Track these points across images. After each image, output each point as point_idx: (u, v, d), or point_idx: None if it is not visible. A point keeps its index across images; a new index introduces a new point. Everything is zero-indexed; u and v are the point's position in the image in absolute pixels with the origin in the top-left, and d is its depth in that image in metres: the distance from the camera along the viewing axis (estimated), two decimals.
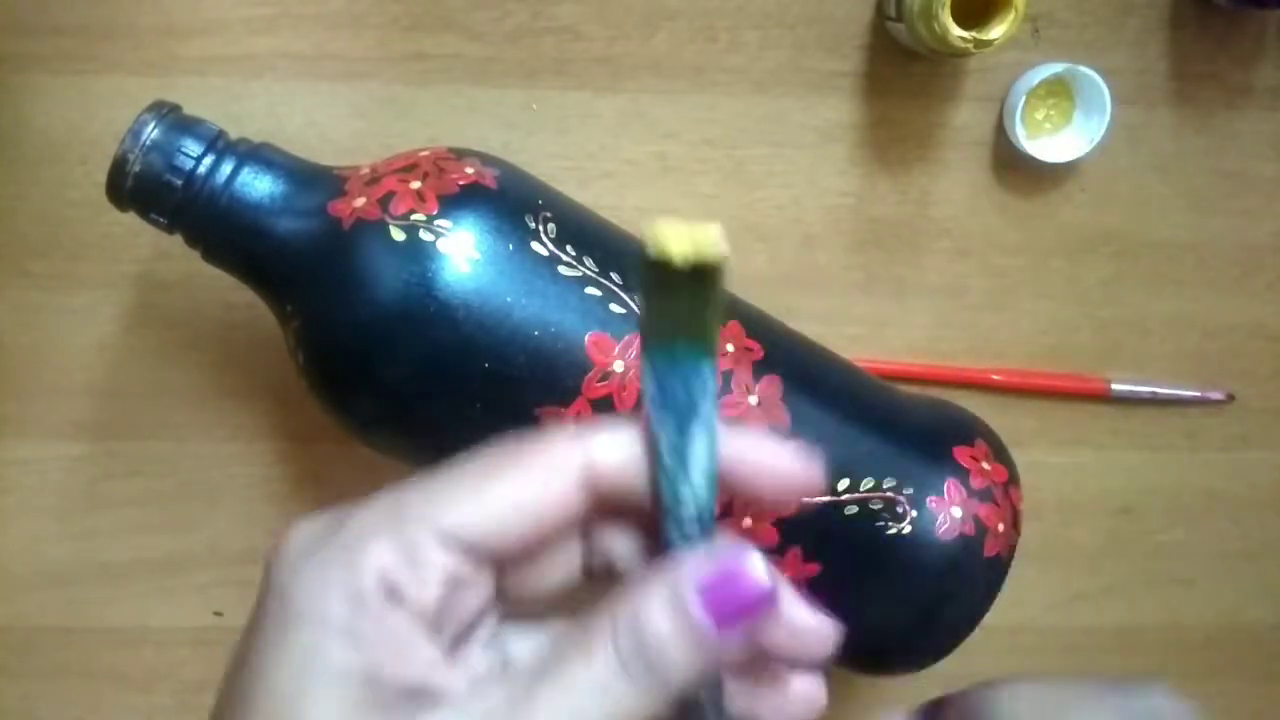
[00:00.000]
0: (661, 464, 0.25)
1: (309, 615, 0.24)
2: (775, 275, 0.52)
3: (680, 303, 0.23)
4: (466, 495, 0.26)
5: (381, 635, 0.24)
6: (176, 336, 0.50)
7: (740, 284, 0.47)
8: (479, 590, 0.26)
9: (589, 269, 0.41)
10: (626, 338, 0.41)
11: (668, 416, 0.25)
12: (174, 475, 0.51)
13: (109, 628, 0.52)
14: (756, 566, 0.25)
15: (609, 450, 0.26)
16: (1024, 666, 0.55)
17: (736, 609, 0.25)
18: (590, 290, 0.41)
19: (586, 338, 0.40)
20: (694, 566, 0.25)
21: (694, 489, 0.25)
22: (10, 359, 0.50)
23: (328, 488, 0.52)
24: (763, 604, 0.25)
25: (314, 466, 0.51)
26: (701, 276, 0.21)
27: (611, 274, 0.41)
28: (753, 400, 0.42)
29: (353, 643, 0.24)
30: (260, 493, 0.51)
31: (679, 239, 0.21)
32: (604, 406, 0.40)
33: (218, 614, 0.52)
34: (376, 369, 0.40)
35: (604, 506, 0.26)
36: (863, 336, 0.52)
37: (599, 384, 0.40)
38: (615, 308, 0.41)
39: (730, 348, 0.42)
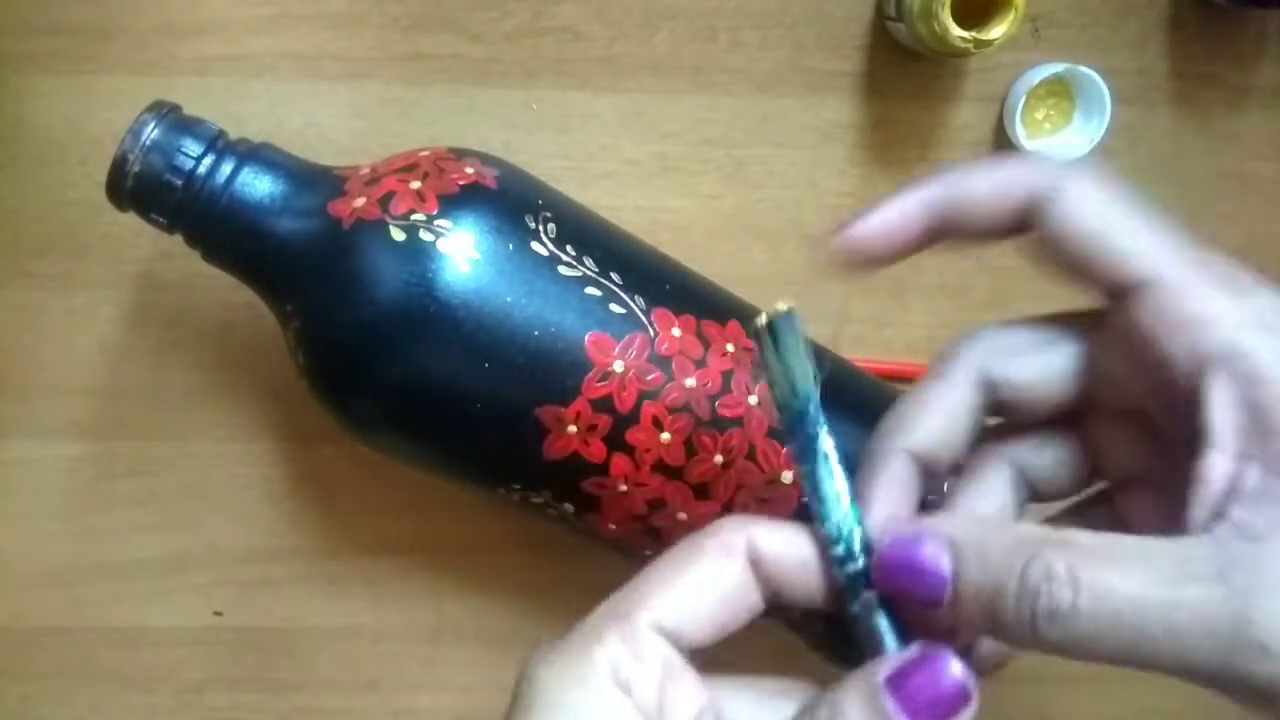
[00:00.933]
0: (815, 512, 0.28)
1: (552, 702, 0.26)
2: (775, 275, 0.52)
3: (781, 362, 0.27)
4: (661, 588, 0.28)
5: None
6: (176, 336, 0.50)
7: (740, 284, 0.47)
8: (690, 677, 0.28)
9: (589, 269, 0.41)
10: (626, 338, 0.41)
11: (803, 464, 0.28)
12: (174, 475, 0.51)
13: (109, 628, 0.52)
14: (953, 666, 0.25)
15: (769, 535, 0.28)
16: (1024, 666, 0.55)
17: (931, 708, 0.25)
18: (590, 290, 0.41)
19: (586, 338, 0.40)
20: (889, 664, 0.26)
21: (840, 510, 0.28)
22: (10, 359, 0.50)
23: (328, 488, 0.52)
24: (958, 703, 0.25)
25: (314, 466, 0.51)
26: (780, 334, 0.27)
27: (611, 274, 0.41)
28: (752, 400, 0.42)
29: None
30: (260, 493, 0.51)
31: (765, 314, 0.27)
32: (604, 406, 0.40)
33: (218, 614, 0.52)
34: (376, 369, 0.40)
35: (775, 589, 0.28)
36: (863, 336, 0.52)
37: (599, 384, 0.40)
38: (615, 308, 0.41)
39: (730, 348, 0.42)
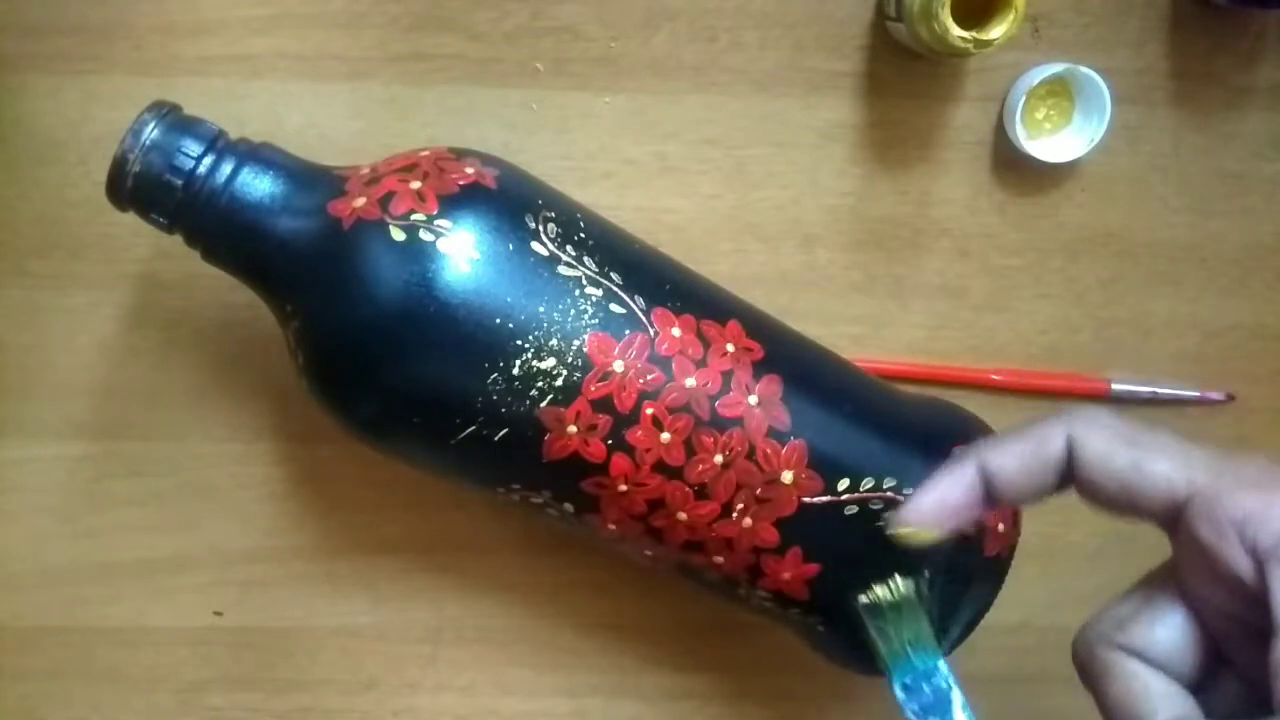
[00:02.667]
0: None
1: None
2: (775, 275, 0.52)
3: (901, 628, 0.29)
4: None
5: None
6: (176, 336, 0.50)
7: (740, 284, 0.47)
8: None
9: (589, 269, 0.41)
10: (626, 337, 0.41)
11: (930, 717, 0.29)
12: (174, 475, 0.51)
13: (109, 628, 0.52)
14: None
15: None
16: (1024, 666, 0.55)
17: None
18: (590, 290, 0.41)
19: (586, 338, 0.40)
20: None
21: None
22: (10, 359, 0.50)
23: (328, 488, 0.52)
24: None
25: (314, 467, 0.51)
26: (901, 606, 0.29)
27: (611, 274, 0.41)
28: (753, 400, 0.42)
29: None
30: (260, 493, 0.51)
31: (879, 589, 0.29)
32: (604, 406, 0.40)
33: (218, 614, 0.52)
34: (376, 369, 0.40)
35: None
36: (863, 336, 0.52)
37: (599, 384, 0.40)
38: (615, 308, 0.41)
39: (730, 348, 0.42)
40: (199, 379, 0.51)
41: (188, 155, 0.40)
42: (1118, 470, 0.30)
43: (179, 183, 0.40)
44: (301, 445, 0.51)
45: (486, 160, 0.43)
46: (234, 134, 0.42)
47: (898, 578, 0.30)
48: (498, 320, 0.40)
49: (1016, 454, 0.32)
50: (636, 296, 0.41)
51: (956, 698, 0.29)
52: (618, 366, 0.40)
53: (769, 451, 0.42)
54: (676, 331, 0.42)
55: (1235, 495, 0.29)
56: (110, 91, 0.48)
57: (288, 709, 0.53)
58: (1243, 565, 0.29)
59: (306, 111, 0.49)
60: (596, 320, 0.40)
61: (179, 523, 0.51)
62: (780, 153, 0.51)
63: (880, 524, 0.42)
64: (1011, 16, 0.45)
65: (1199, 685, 0.32)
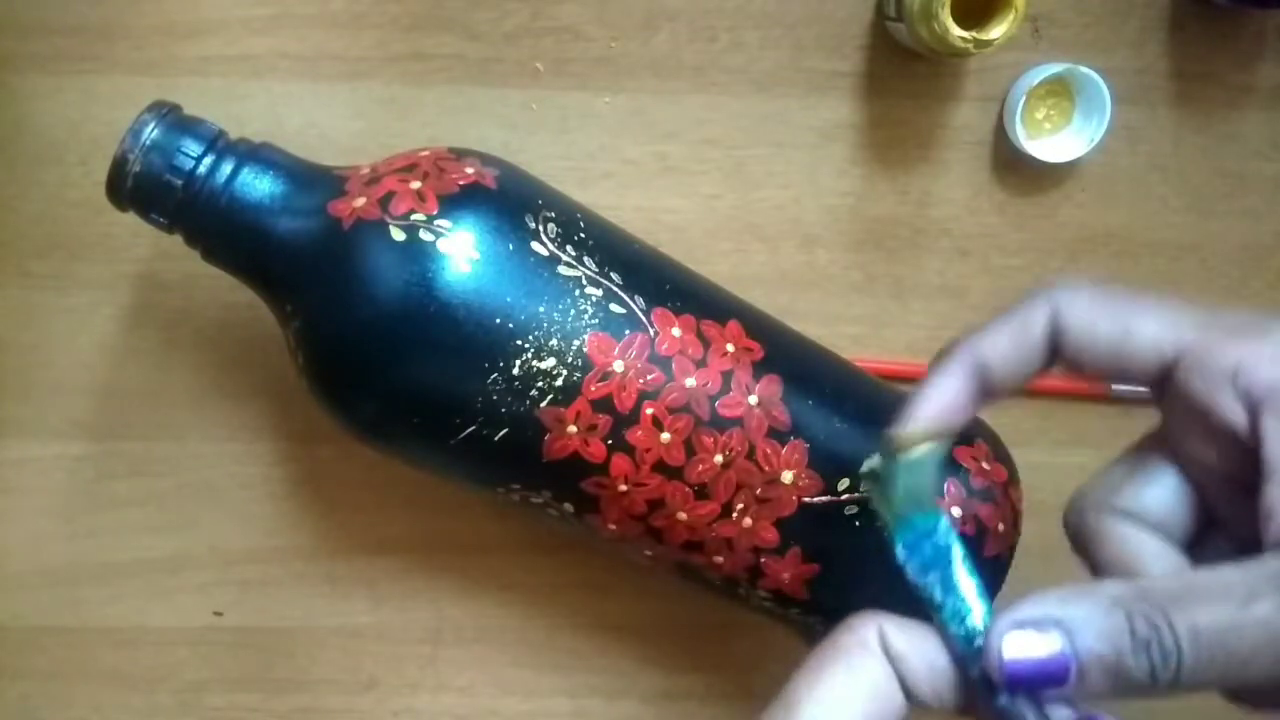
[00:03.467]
0: (944, 618, 0.29)
1: None
2: (775, 275, 0.52)
3: (901, 493, 0.30)
4: (811, 697, 0.28)
5: None
6: (176, 336, 0.50)
7: (740, 284, 0.47)
8: None
9: (589, 269, 0.41)
10: (626, 337, 0.41)
11: (932, 575, 0.29)
12: (174, 475, 0.51)
13: (109, 628, 0.52)
14: None
15: (899, 633, 0.29)
16: None
17: None
18: (590, 290, 0.41)
19: (586, 338, 0.40)
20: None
21: (974, 607, 0.29)
22: (10, 359, 0.50)
23: (328, 488, 0.52)
24: None
25: (314, 466, 0.51)
26: (906, 470, 0.29)
27: (611, 274, 0.41)
28: (753, 400, 0.42)
29: None
30: (260, 493, 0.51)
31: (880, 459, 0.29)
32: (604, 406, 0.40)
33: (218, 614, 0.52)
34: (376, 369, 0.40)
35: (905, 688, 0.29)
36: (863, 336, 0.52)
37: (599, 384, 0.40)
38: (615, 308, 0.41)
39: (730, 348, 0.42)
40: (199, 379, 0.51)
41: (188, 155, 0.40)
42: (1104, 337, 0.30)
43: (179, 183, 0.40)
44: (301, 445, 0.51)
45: (486, 160, 0.43)
46: (234, 134, 0.42)
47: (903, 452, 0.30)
48: (498, 320, 0.40)
49: (1004, 338, 0.31)
50: (636, 296, 0.41)
51: (957, 552, 0.29)
52: (618, 366, 0.40)
53: (769, 451, 0.42)
54: (676, 331, 0.42)
55: (1225, 346, 0.29)
56: (110, 91, 0.48)
57: (288, 709, 0.53)
58: (1235, 415, 0.29)
59: (306, 111, 0.49)
60: (596, 320, 0.40)
61: (179, 523, 0.51)
62: (780, 153, 0.51)
63: (880, 524, 0.42)
64: (1011, 16, 0.45)
65: (1190, 547, 0.32)
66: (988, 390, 0.32)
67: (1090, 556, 0.33)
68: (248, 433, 0.51)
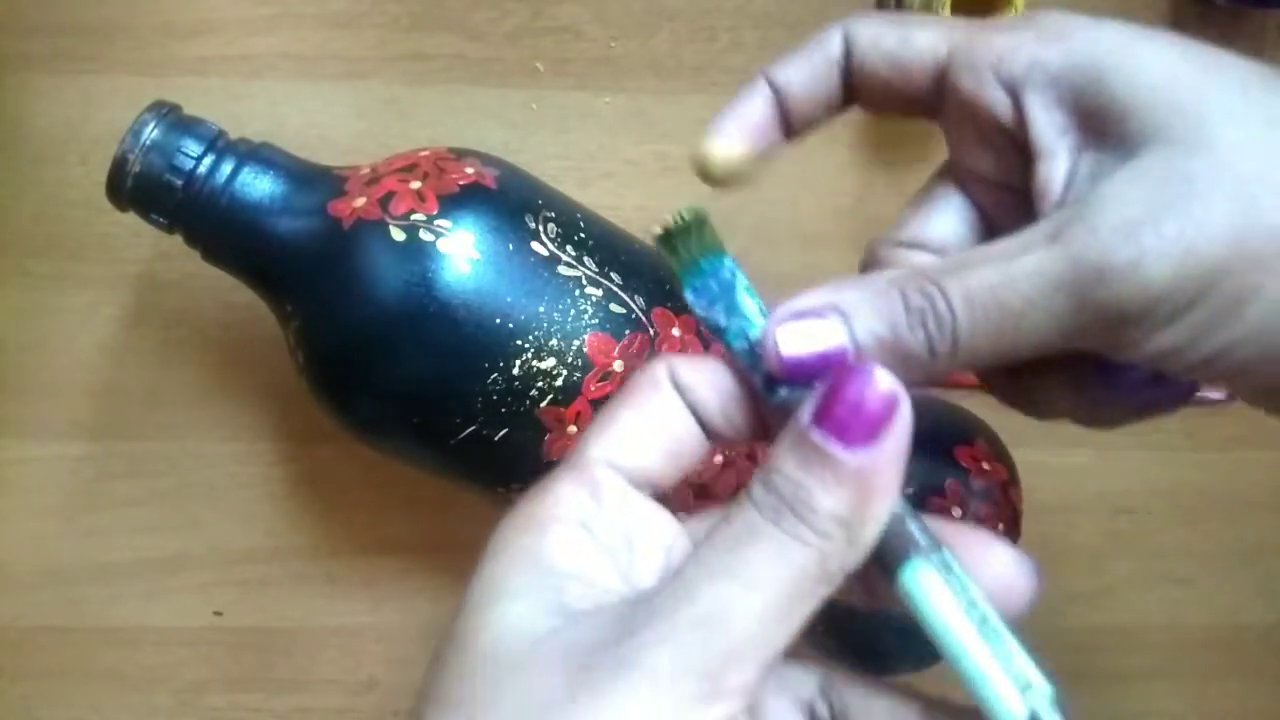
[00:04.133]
0: (729, 340, 0.28)
1: (513, 550, 0.26)
2: (775, 275, 0.52)
3: (689, 246, 0.29)
4: (605, 429, 0.28)
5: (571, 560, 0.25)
6: (176, 336, 0.50)
7: None
8: (656, 512, 0.27)
9: (589, 269, 0.41)
10: (626, 337, 0.41)
11: (717, 306, 0.28)
12: (174, 475, 0.51)
13: (109, 628, 0.52)
14: (879, 377, 0.24)
15: (688, 365, 0.28)
16: None
17: (861, 420, 0.24)
18: (590, 290, 0.41)
19: (586, 337, 0.40)
20: (810, 403, 0.25)
21: (756, 323, 0.28)
22: (10, 359, 0.50)
23: (328, 488, 0.52)
24: (888, 407, 0.24)
25: (314, 466, 0.51)
26: (691, 227, 0.29)
27: (611, 274, 0.41)
28: None
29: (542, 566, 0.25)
30: (260, 493, 0.51)
31: (667, 219, 0.29)
32: (604, 406, 0.40)
33: (218, 614, 0.52)
34: (376, 369, 0.40)
35: (703, 419, 0.28)
36: None
37: (599, 384, 0.40)
38: (615, 308, 0.41)
39: None
40: (199, 379, 0.51)
41: (188, 155, 0.40)
42: (886, 49, 0.30)
43: (179, 183, 0.40)
44: (301, 445, 0.51)
45: (486, 160, 0.43)
46: (234, 134, 0.42)
47: (684, 207, 0.30)
48: (498, 320, 0.40)
49: (799, 59, 0.32)
50: (636, 296, 0.42)
51: (740, 280, 0.29)
52: (618, 366, 0.40)
53: (769, 451, 0.42)
54: (676, 331, 0.42)
55: (988, 39, 0.29)
56: (110, 91, 0.48)
57: (288, 709, 0.53)
58: (1000, 104, 0.29)
59: (306, 111, 0.49)
60: (596, 320, 0.40)
61: (179, 523, 0.51)
62: (780, 152, 0.51)
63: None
64: (1010, 16, 0.45)
65: None
66: (789, 116, 0.32)
67: None
68: (248, 433, 0.51)
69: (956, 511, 0.43)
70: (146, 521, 0.51)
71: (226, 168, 0.41)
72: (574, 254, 0.41)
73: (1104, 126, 0.27)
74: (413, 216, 0.40)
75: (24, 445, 0.50)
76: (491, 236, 0.40)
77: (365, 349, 0.40)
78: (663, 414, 0.28)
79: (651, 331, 0.41)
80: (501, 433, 0.40)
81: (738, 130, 0.32)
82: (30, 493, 0.51)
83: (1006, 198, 0.30)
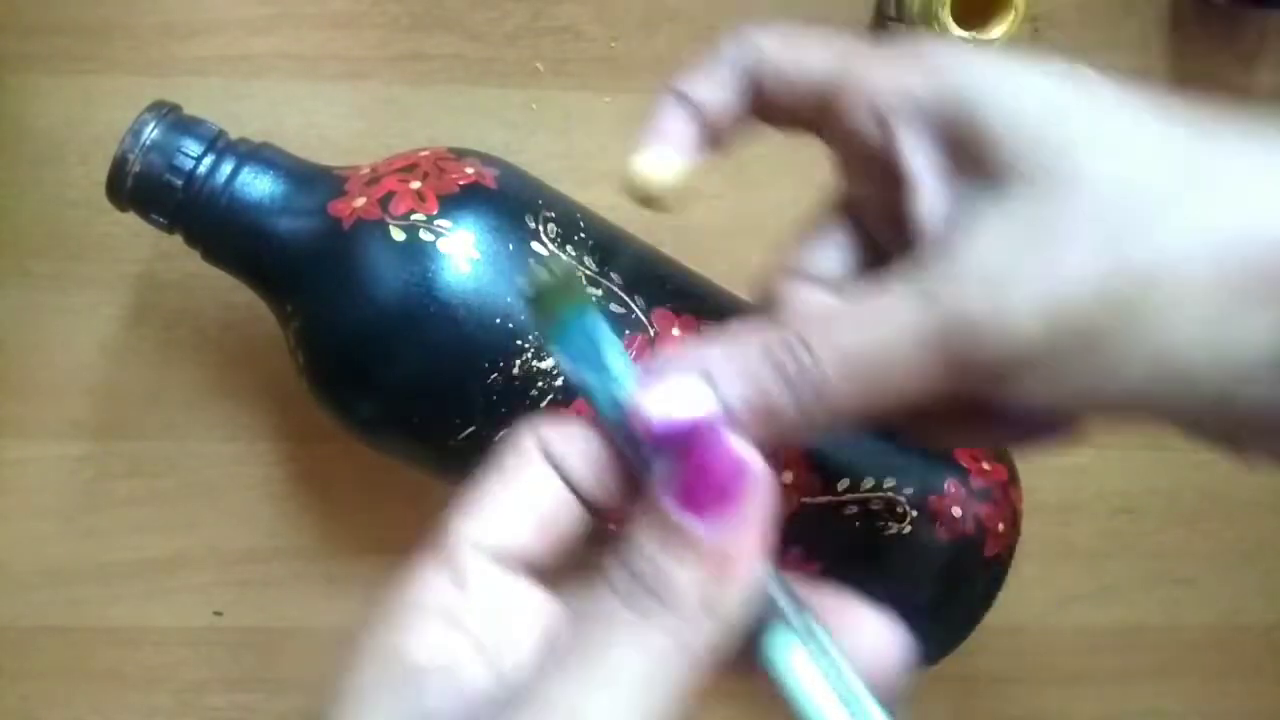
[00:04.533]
0: (598, 402, 0.26)
1: (376, 654, 0.25)
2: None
3: (549, 300, 0.27)
4: (469, 508, 0.26)
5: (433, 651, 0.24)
6: (176, 336, 0.50)
7: (740, 284, 0.47)
8: (530, 594, 0.26)
9: (589, 269, 0.41)
10: (626, 338, 0.41)
11: (585, 364, 0.27)
12: (174, 475, 0.51)
13: (109, 628, 0.52)
14: (730, 444, 0.23)
15: (557, 433, 0.27)
16: (1024, 666, 0.55)
17: (715, 490, 0.23)
18: (590, 290, 0.41)
19: None
20: (664, 480, 0.23)
21: (624, 382, 0.26)
22: (10, 359, 0.50)
23: (328, 488, 0.52)
24: (740, 477, 0.23)
25: (314, 466, 0.51)
26: (560, 286, 0.27)
27: (612, 274, 0.41)
28: None
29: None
30: (260, 493, 0.51)
31: (536, 270, 0.27)
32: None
33: (218, 614, 0.52)
34: (377, 369, 0.40)
35: (577, 489, 0.27)
36: None
37: None
38: (615, 308, 0.41)
39: None
40: (199, 379, 0.51)
41: (188, 155, 0.40)
42: (777, 64, 0.30)
43: (179, 183, 0.40)
44: (301, 445, 0.51)
45: (486, 160, 0.43)
46: (234, 134, 0.42)
47: (556, 259, 0.29)
48: (498, 320, 0.40)
49: (703, 72, 0.31)
50: (636, 296, 0.42)
51: (604, 331, 0.27)
52: None
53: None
54: (676, 331, 0.42)
55: (867, 66, 0.29)
56: (110, 91, 0.48)
57: (288, 709, 0.53)
58: (873, 135, 0.28)
59: (306, 111, 0.49)
60: None
61: (179, 523, 0.51)
62: (780, 153, 0.51)
63: (880, 524, 0.42)
64: (1011, 16, 0.45)
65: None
66: (704, 128, 0.31)
67: (776, 315, 0.31)
68: (248, 433, 0.51)
69: (957, 511, 0.43)
70: (146, 521, 0.51)
71: (226, 168, 0.41)
72: (574, 254, 0.41)
73: (975, 159, 0.26)
74: (413, 216, 0.40)
75: (24, 445, 0.50)
76: (491, 236, 0.40)
77: (365, 349, 0.40)
78: (532, 487, 0.26)
79: (651, 331, 0.41)
80: (501, 433, 0.40)
81: (665, 146, 0.31)
82: (30, 493, 0.51)
83: (892, 226, 0.30)
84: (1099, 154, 0.25)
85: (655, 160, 0.31)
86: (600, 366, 0.26)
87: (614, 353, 0.27)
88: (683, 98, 0.31)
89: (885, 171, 0.29)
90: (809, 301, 0.31)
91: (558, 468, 0.26)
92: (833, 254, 0.32)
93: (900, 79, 0.28)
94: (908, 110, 0.28)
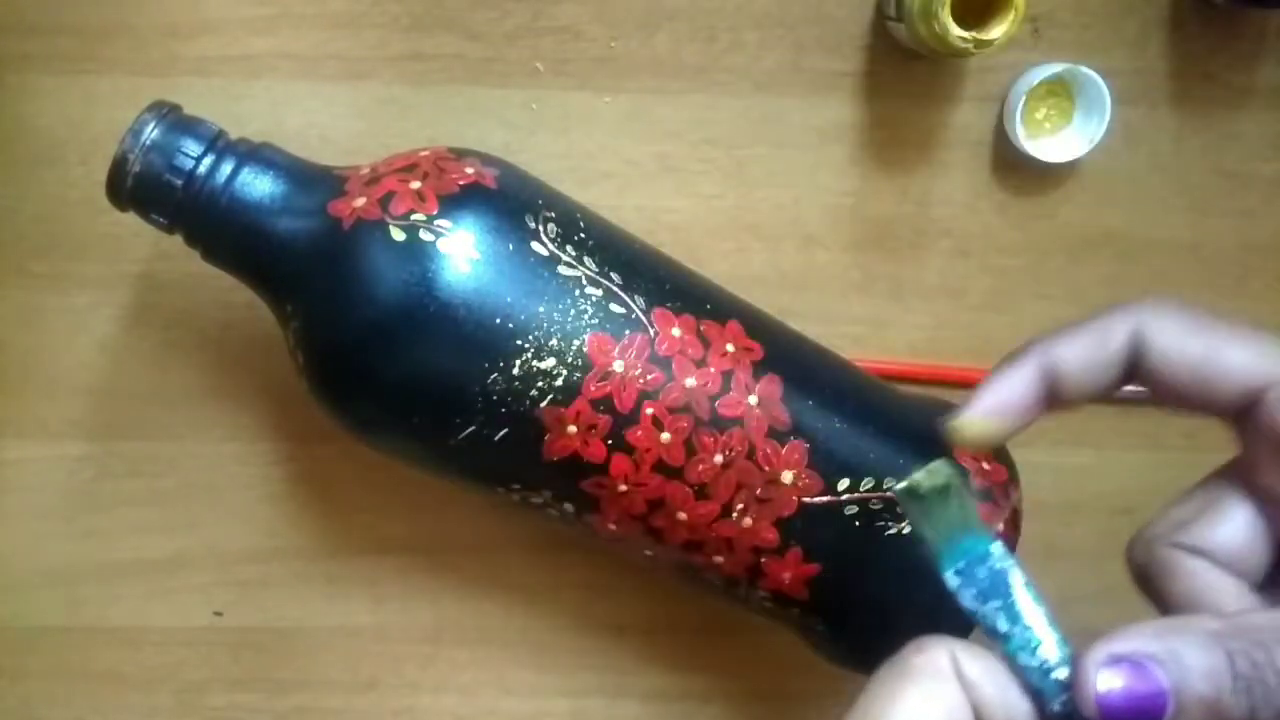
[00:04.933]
0: (1012, 649, 0.27)
1: None
2: (775, 275, 0.52)
3: (946, 514, 0.28)
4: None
5: None
6: (176, 336, 0.50)
7: (740, 284, 0.47)
8: None
9: (589, 269, 0.41)
10: (626, 338, 0.41)
11: (992, 604, 0.28)
12: (174, 475, 0.51)
13: (109, 628, 0.52)
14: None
15: (971, 660, 0.27)
16: None
17: None
18: (590, 290, 0.41)
19: (586, 338, 0.40)
20: None
21: (1044, 638, 0.27)
22: (10, 359, 0.50)
23: (328, 488, 0.52)
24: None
25: (314, 466, 0.51)
26: (948, 489, 0.28)
27: (611, 274, 0.41)
28: (753, 400, 0.42)
29: None
30: (260, 493, 0.51)
31: (920, 476, 0.28)
32: (604, 406, 0.40)
33: (218, 614, 0.52)
34: (376, 369, 0.40)
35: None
36: (862, 336, 0.52)
37: (599, 384, 0.40)
38: (615, 308, 0.41)
39: (730, 348, 0.42)
40: (199, 379, 0.51)
41: (188, 155, 0.40)
42: (1191, 360, 0.29)
43: (179, 183, 0.40)
44: (301, 445, 0.51)
45: (486, 160, 0.43)
46: (234, 134, 0.42)
47: (936, 463, 0.28)
48: (498, 320, 0.40)
49: (1080, 344, 0.30)
50: (636, 296, 0.42)
51: (1017, 577, 0.27)
52: (618, 366, 0.40)
53: (769, 451, 0.42)
54: (676, 331, 0.42)
55: None
56: (110, 91, 0.48)
57: (288, 709, 0.53)
58: None
59: (306, 111, 0.49)
60: (596, 320, 0.40)
61: (179, 523, 0.51)
62: (780, 153, 0.51)
63: (880, 524, 0.42)
64: (1011, 16, 0.45)
65: (1266, 585, 0.31)
66: (1056, 397, 0.31)
67: (1158, 594, 0.31)
68: (248, 433, 0.51)
69: None
70: (146, 521, 0.51)
71: (226, 168, 0.41)
72: (574, 254, 0.41)
73: None
74: (413, 216, 0.40)
75: (24, 445, 0.50)
76: (491, 236, 0.40)
77: (365, 349, 0.40)
78: (947, 707, 0.27)
79: (651, 332, 0.41)
80: (501, 433, 0.40)
81: (999, 408, 0.31)
82: (30, 493, 0.51)
83: None
84: None
85: (981, 422, 0.31)
86: (1013, 613, 0.27)
87: (1029, 597, 0.27)
88: (1044, 357, 0.30)
89: None
90: (1217, 589, 0.30)
91: (970, 694, 0.27)
92: (1232, 532, 0.31)
93: None
94: None
